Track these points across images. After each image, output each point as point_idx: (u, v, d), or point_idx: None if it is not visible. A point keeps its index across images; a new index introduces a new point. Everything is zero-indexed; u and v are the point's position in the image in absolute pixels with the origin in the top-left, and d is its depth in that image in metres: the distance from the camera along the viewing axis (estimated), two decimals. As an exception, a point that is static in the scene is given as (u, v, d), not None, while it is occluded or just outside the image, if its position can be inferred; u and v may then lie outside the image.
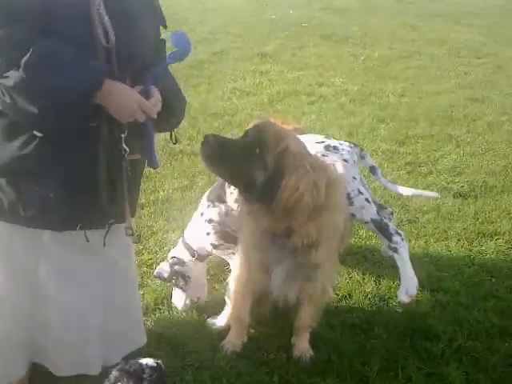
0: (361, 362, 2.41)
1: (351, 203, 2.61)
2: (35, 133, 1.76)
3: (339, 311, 2.76)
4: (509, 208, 3.83)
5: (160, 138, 4.33)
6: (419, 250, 3.30)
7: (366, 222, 2.71)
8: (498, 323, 2.69)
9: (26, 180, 1.83)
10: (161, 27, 2.05)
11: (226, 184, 2.57)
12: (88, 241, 1.93)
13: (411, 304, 2.81)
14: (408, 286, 2.63)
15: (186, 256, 2.71)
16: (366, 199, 2.68)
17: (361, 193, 2.67)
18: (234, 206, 2.53)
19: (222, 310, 2.66)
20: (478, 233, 3.52)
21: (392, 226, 2.73)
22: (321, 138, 2.83)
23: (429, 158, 4.63)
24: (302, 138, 2.32)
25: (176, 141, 2.11)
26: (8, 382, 2.13)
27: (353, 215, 2.65)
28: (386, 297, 2.88)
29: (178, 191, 3.89)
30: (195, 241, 2.70)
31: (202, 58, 7.40)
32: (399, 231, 2.71)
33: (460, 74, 7.23)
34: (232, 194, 2.54)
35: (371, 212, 2.68)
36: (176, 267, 2.67)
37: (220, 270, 3.03)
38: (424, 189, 4.04)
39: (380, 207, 3.04)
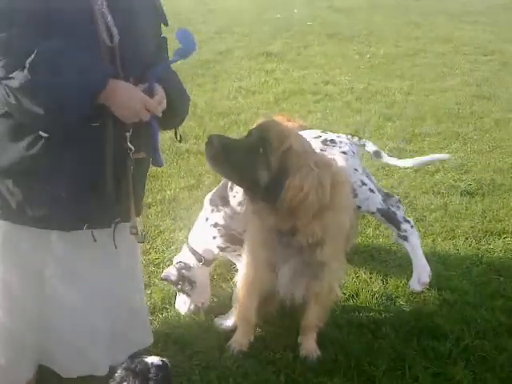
0: (368, 362, 2.40)
1: (355, 195, 2.57)
2: (41, 133, 1.76)
3: (346, 310, 2.75)
4: (517, 206, 3.81)
5: (166, 137, 4.35)
6: (426, 249, 3.27)
7: (373, 213, 2.67)
8: (505, 322, 2.68)
9: (32, 181, 1.83)
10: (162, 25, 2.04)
11: (229, 187, 2.56)
12: (95, 240, 1.93)
13: (418, 302, 2.81)
14: (420, 274, 2.61)
15: (192, 261, 2.70)
16: (370, 189, 2.65)
17: (364, 184, 2.64)
18: (238, 209, 2.53)
19: (229, 309, 2.65)
20: (486, 231, 3.50)
21: (400, 213, 2.69)
22: (317, 132, 2.78)
23: (436, 156, 4.60)
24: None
25: (181, 138, 2.10)
26: None
27: (358, 207, 2.62)
28: (394, 296, 2.87)
29: (185, 190, 3.89)
30: (201, 245, 2.69)
31: (207, 58, 7.41)
32: (408, 219, 2.68)
33: (466, 72, 7.19)
34: (235, 197, 2.53)
35: (377, 201, 2.65)
36: (183, 271, 2.66)
37: (227, 270, 3.03)
38: (431, 187, 4.05)
39: (386, 196, 3.01)
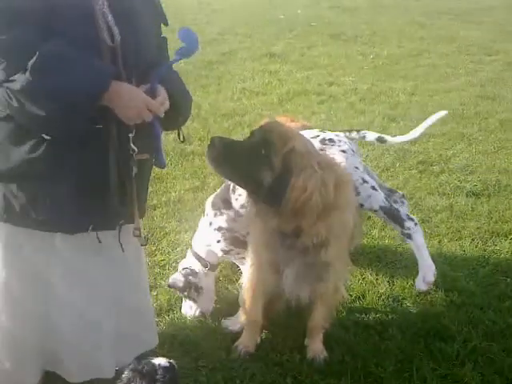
0: (375, 363, 2.39)
1: (357, 193, 2.55)
2: (43, 136, 1.75)
3: (353, 312, 2.74)
4: (523, 207, 3.79)
5: (170, 139, 4.35)
6: (433, 250, 3.26)
7: (376, 211, 2.65)
8: (513, 324, 2.67)
9: (36, 183, 1.82)
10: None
11: (231, 189, 2.56)
12: (100, 242, 1.92)
13: (425, 304, 2.80)
14: (425, 273, 2.58)
15: (197, 267, 2.69)
16: (372, 187, 2.62)
17: (365, 181, 2.61)
18: (241, 211, 2.52)
19: (235, 311, 2.65)
20: (492, 232, 3.48)
21: (404, 210, 2.66)
22: (315, 132, 2.75)
23: (441, 156, 4.59)
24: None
25: (184, 139, 2.08)
26: None
27: (361, 205, 2.59)
28: (400, 297, 2.86)
29: (190, 192, 3.89)
30: (205, 250, 2.68)
31: (210, 59, 7.41)
32: (412, 216, 2.64)
33: (470, 72, 7.18)
34: (237, 199, 2.52)
35: (379, 199, 2.62)
36: (190, 278, 2.66)
37: (232, 271, 3.03)
38: (436, 188, 4.03)
39: (390, 191, 2.99)
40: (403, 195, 3.10)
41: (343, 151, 2.63)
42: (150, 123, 1.83)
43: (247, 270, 2.47)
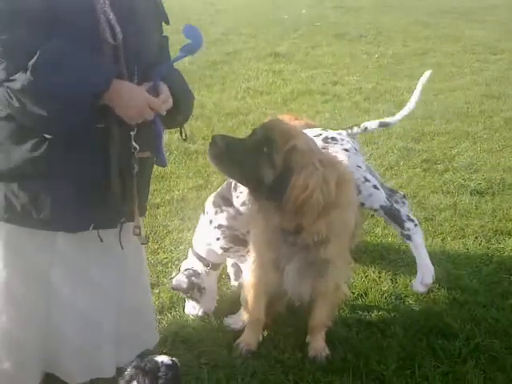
0: (377, 361, 2.39)
1: (359, 192, 2.54)
2: (45, 135, 1.75)
3: (355, 310, 2.74)
4: (527, 205, 3.77)
5: (174, 138, 4.37)
6: (436, 248, 3.26)
7: (376, 210, 2.64)
8: (516, 322, 2.66)
9: (37, 183, 1.81)
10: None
11: (233, 187, 2.56)
12: (102, 240, 1.92)
13: (428, 302, 2.79)
14: (423, 275, 2.58)
15: (199, 267, 2.69)
16: (374, 186, 2.62)
17: (367, 180, 2.61)
18: (242, 209, 2.52)
19: (237, 308, 2.65)
20: (496, 230, 3.47)
21: (404, 211, 2.65)
22: (318, 130, 2.74)
23: (445, 155, 4.58)
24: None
25: (186, 137, 2.07)
26: None
27: (362, 204, 2.59)
28: (403, 295, 2.85)
29: (193, 191, 3.90)
30: (205, 249, 2.68)
31: (215, 59, 7.43)
32: (412, 217, 2.63)
33: (475, 71, 7.16)
34: (239, 197, 2.52)
35: (380, 199, 2.61)
36: (193, 278, 2.65)
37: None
38: (440, 186, 4.02)
39: (391, 191, 2.98)
40: (404, 196, 3.10)
41: (346, 150, 2.62)
42: (152, 121, 1.83)
43: (248, 267, 2.47)
